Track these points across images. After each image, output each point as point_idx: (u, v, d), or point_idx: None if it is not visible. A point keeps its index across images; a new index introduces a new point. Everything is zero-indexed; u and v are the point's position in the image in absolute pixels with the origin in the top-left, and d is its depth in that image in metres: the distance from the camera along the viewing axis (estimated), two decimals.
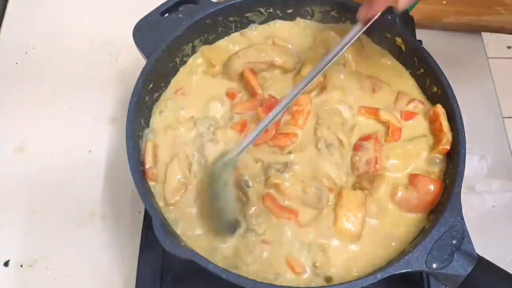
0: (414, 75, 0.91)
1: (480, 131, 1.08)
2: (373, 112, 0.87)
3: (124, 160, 0.74)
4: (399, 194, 0.80)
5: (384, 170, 0.83)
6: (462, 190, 0.74)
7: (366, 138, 0.85)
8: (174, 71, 0.92)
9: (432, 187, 0.79)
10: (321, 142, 0.83)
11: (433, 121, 0.86)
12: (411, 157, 0.84)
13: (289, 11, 0.96)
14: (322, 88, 0.89)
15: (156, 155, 0.83)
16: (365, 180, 0.81)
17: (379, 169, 0.82)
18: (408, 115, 0.87)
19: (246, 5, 0.93)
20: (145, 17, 0.87)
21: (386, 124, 0.86)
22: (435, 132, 0.85)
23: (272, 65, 0.90)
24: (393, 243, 0.78)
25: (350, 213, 0.77)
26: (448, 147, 0.82)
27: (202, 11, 0.89)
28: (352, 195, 0.79)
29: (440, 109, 0.84)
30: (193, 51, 0.93)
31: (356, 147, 0.85)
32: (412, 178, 0.82)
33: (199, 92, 0.91)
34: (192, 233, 0.78)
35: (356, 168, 0.83)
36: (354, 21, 0.92)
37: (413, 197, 0.80)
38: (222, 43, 0.96)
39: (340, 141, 0.84)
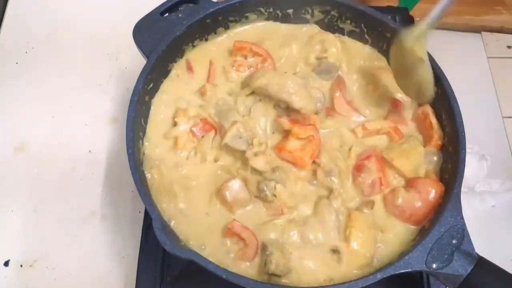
0: None
1: (480, 131, 1.08)
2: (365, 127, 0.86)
3: (124, 160, 0.74)
4: (399, 200, 0.78)
5: (391, 187, 0.82)
6: (462, 190, 0.75)
7: (367, 157, 0.82)
8: None
9: (433, 188, 0.78)
10: (319, 171, 0.81)
11: (421, 120, 0.87)
12: (410, 154, 0.83)
13: (289, 10, 0.96)
14: (329, 111, 0.88)
15: None
16: (364, 207, 0.80)
17: (384, 190, 0.81)
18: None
19: (246, 5, 0.93)
20: (145, 16, 0.87)
21: (386, 131, 0.86)
22: (425, 131, 0.86)
23: (288, 104, 0.84)
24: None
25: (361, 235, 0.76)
26: (441, 143, 0.84)
27: (202, 11, 0.89)
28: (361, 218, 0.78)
29: (428, 108, 0.86)
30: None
31: (358, 168, 0.82)
32: (411, 181, 0.81)
33: None
34: None
35: (361, 190, 0.81)
36: (355, 20, 0.94)
37: (415, 200, 0.78)
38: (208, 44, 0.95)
39: (340, 169, 0.82)
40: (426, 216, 0.78)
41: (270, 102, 0.86)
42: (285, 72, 0.91)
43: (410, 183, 0.81)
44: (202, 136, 0.84)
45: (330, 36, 0.93)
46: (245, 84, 0.88)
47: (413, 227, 0.79)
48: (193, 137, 0.84)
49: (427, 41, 0.79)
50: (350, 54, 0.94)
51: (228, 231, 0.76)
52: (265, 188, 0.78)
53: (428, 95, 0.82)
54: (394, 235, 0.78)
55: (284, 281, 0.73)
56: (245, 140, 0.81)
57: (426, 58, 0.79)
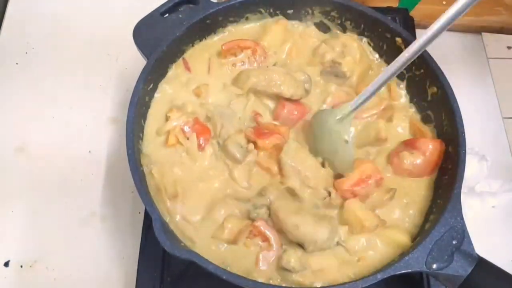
0: (414, 75, 0.91)
1: (480, 131, 1.08)
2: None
3: (124, 160, 0.74)
4: (407, 161, 0.82)
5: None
6: (462, 191, 0.75)
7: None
8: None
9: (432, 146, 0.82)
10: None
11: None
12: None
13: (289, 11, 0.96)
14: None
15: None
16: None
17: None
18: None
19: (246, 6, 0.93)
20: (145, 17, 0.87)
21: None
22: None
23: (279, 96, 0.88)
24: (410, 211, 0.81)
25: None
26: None
27: (202, 12, 0.89)
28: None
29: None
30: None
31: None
32: (412, 143, 0.84)
33: None
34: None
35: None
36: (355, 21, 0.94)
37: (421, 161, 0.82)
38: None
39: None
40: (434, 168, 0.83)
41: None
42: (274, 65, 0.92)
43: (410, 145, 0.84)
44: (188, 138, 0.84)
45: (354, 44, 0.93)
46: (236, 86, 0.90)
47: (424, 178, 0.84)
48: (183, 136, 0.84)
49: (350, 123, 0.81)
50: (365, 67, 0.94)
51: (254, 230, 0.76)
52: (256, 216, 0.78)
53: (344, 171, 0.82)
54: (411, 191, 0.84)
55: (296, 277, 0.74)
56: (244, 150, 0.83)
57: (350, 140, 0.81)
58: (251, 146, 0.83)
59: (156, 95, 0.88)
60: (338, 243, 0.77)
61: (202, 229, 0.78)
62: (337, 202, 0.80)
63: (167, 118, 0.85)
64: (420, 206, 0.82)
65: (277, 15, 0.96)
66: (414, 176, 0.84)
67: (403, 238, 0.77)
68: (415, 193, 0.83)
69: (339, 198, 0.80)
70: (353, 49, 0.92)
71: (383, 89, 0.89)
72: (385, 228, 0.79)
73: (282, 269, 0.74)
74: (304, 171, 0.80)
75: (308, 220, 0.75)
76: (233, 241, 0.76)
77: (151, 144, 0.84)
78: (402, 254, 0.74)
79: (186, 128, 0.84)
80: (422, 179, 0.84)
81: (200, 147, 0.84)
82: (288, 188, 0.81)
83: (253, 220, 0.78)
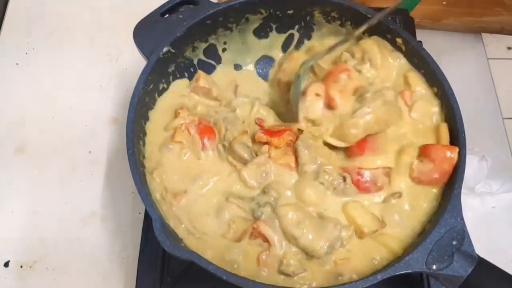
0: None
1: (480, 132, 1.08)
2: None
3: (124, 160, 0.74)
4: (416, 169, 0.81)
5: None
6: (462, 191, 0.75)
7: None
8: None
9: (446, 153, 0.78)
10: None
11: None
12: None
13: (290, 12, 0.96)
14: None
15: None
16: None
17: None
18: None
19: (246, 6, 0.93)
20: (146, 17, 0.87)
21: None
22: None
23: None
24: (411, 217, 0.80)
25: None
26: None
27: (202, 12, 0.89)
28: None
29: None
30: (194, 52, 0.94)
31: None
32: (424, 149, 0.81)
33: None
34: None
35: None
36: (355, 22, 0.94)
37: (430, 169, 0.79)
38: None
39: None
40: (445, 178, 0.79)
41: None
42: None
43: (422, 151, 0.81)
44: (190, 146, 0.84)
45: (374, 48, 0.90)
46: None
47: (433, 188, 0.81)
48: (188, 134, 0.84)
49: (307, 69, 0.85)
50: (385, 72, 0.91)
51: (254, 231, 0.76)
52: (260, 214, 0.78)
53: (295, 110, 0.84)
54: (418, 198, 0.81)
55: (296, 279, 0.74)
56: (251, 150, 0.83)
57: (301, 76, 0.84)
58: (265, 147, 0.83)
59: (156, 95, 0.89)
60: (340, 246, 0.77)
61: (210, 228, 0.78)
62: (352, 189, 0.81)
63: (176, 115, 0.85)
64: (421, 216, 0.80)
65: (277, 15, 0.96)
66: (424, 184, 0.81)
67: (395, 248, 0.77)
68: (419, 201, 0.81)
69: (353, 187, 0.81)
70: (373, 54, 0.89)
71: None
72: (380, 234, 0.79)
73: (282, 273, 0.74)
74: (319, 158, 0.82)
75: (309, 231, 0.75)
76: (238, 240, 0.77)
77: (151, 144, 0.84)
78: (400, 257, 0.74)
79: (191, 127, 0.84)
80: (431, 188, 0.81)
81: (204, 147, 0.84)
82: (303, 173, 0.82)
83: (257, 219, 0.78)
